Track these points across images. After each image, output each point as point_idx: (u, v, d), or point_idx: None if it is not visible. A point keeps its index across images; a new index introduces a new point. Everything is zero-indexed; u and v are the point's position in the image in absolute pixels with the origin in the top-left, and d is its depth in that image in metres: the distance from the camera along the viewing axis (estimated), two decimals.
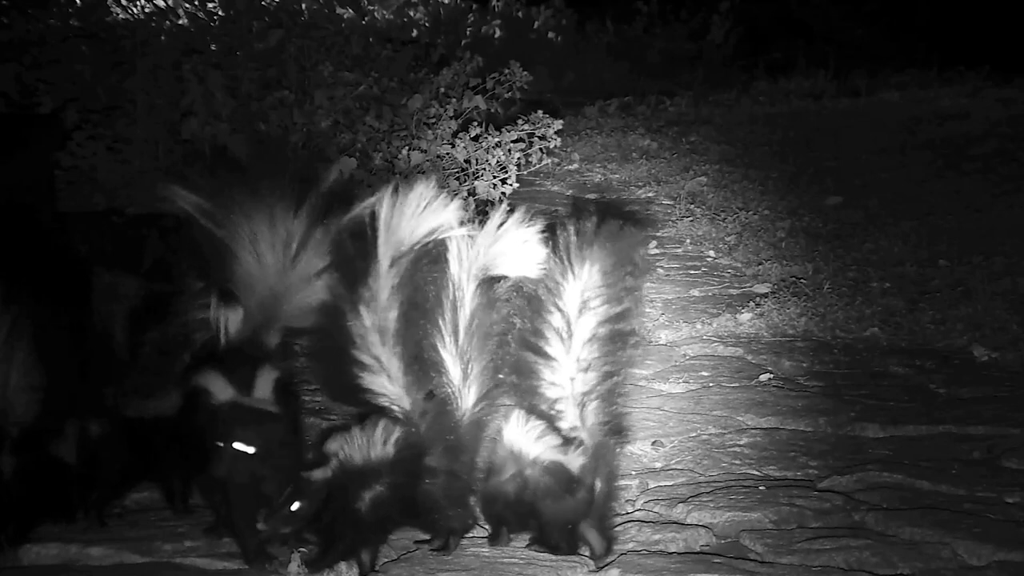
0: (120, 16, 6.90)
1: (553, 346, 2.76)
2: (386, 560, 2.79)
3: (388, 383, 2.74)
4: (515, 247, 2.80)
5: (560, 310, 2.75)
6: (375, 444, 2.68)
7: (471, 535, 2.92)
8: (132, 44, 6.08)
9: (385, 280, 2.70)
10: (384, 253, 2.70)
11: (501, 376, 2.88)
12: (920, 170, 7.33)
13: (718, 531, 2.97)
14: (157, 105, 5.69)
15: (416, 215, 2.72)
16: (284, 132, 5.60)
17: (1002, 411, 3.78)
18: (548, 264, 2.77)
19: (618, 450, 2.87)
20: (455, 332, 2.79)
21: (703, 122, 9.32)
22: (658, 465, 3.45)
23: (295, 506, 2.57)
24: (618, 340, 2.79)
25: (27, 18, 6.47)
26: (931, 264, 5.43)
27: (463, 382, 2.82)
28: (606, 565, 2.76)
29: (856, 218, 6.32)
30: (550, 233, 2.81)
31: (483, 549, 2.82)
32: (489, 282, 2.84)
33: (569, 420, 2.77)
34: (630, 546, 2.86)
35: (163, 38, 6.37)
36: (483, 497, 2.84)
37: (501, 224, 2.79)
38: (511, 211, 2.85)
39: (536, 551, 2.80)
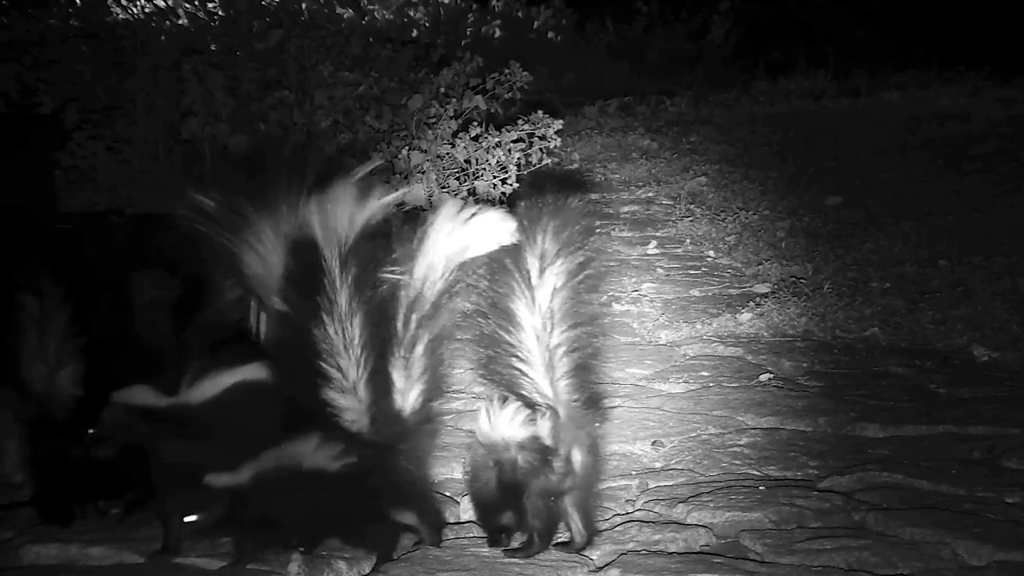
0: (120, 16, 6.91)
1: (521, 324, 2.74)
2: (386, 560, 2.79)
3: (336, 384, 2.70)
4: (474, 232, 2.78)
5: (523, 284, 2.73)
6: (301, 450, 2.65)
7: (472, 535, 2.92)
8: (132, 44, 6.08)
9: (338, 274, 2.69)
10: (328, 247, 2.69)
11: (454, 362, 2.85)
12: (920, 170, 7.33)
13: (718, 531, 2.97)
14: (157, 105, 5.70)
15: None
16: (284, 132, 5.60)
17: (1002, 411, 3.77)
18: (506, 243, 2.76)
19: (596, 417, 2.85)
20: (401, 322, 2.76)
21: (703, 122, 9.33)
22: (658, 465, 3.45)
23: (190, 518, 2.61)
24: (583, 313, 2.77)
25: (27, 18, 6.48)
26: (931, 264, 5.43)
27: (406, 374, 2.78)
28: (606, 565, 2.76)
29: (856, 218, 6.33)
30: (507, 216, 2.78)
31: (483, 549, 2.82)
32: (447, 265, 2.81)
33: (541, 395, 2.75)
34: (630, 546, 2.86)
35: (163, 38, 6.38)
36: (472, 498, 2.84)
37: (459, 211, 2.77)
38: (468, 198, 2.85)
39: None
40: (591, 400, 2.81)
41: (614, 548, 2.84)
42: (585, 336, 2.77)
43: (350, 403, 2.70)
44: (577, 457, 2.73)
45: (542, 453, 2.70)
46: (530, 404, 2.73)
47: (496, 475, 2.73)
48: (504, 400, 2.73)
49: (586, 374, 2.81)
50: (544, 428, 2.70)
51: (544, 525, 2.77)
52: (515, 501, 2.74)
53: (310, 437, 2.66)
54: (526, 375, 2.75)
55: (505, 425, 2.71)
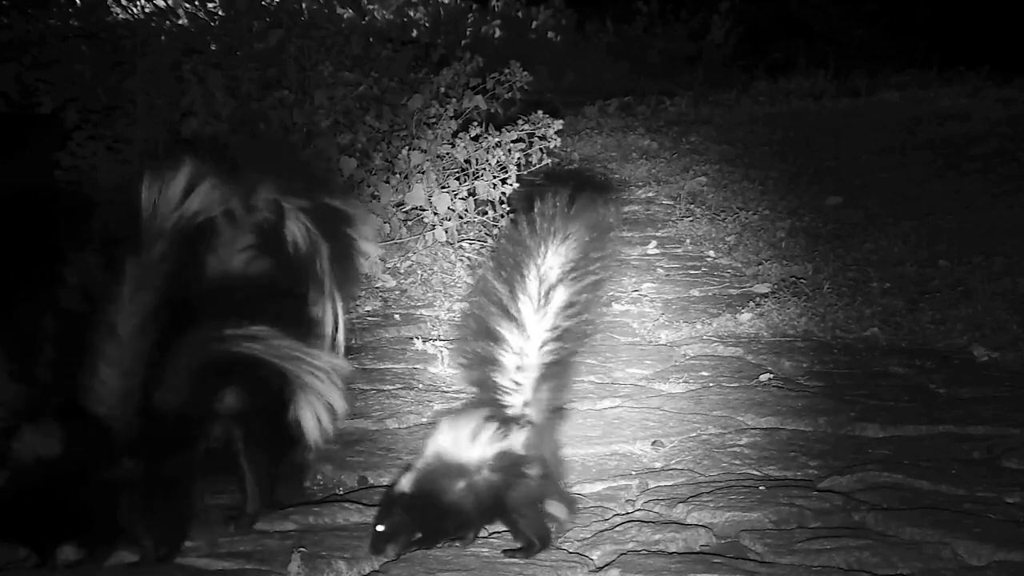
0: (120, 16, 6.90)
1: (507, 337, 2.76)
2: (386, 560, 2.79)
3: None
4: None
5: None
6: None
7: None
8: (132, 44, 6.07)
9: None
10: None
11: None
12: (920, 170, 7.33)
13: (718, 531, 2.97)
14: (157, 105, 5.68)
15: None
16: (284, 132, 5.59)
17: (1002, 411, 3.78)
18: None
19: (560, 422, 2.88)
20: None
21: (703, 122, 9.32)
22: (658, 465, 3.45)
23: None
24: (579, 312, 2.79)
25: (27, 18, 6.47)
26: (931, 264, 5.43)
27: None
28: (606, 565, 2.76)
29: (856, 218, 6.33)
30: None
31: (483, 549, 2.82)
32: None
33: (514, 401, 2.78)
34: (630, 546, 2.86)
35: (163, 38, 6.36)
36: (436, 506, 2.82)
37: None
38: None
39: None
40: (556, 408, 2.84)
41: (614, 548, 2.85)
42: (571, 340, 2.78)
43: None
44: (537, 464, 2.76)
45: (504, 461, 2.73)
46: (498, 412, 2.76)
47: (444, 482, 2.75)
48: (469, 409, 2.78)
49: (562, 379, 2.83)
50: (506, 436, 2.73)
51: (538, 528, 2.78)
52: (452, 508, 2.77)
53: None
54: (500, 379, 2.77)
55: (463, 436, 2.74)
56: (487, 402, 2.78)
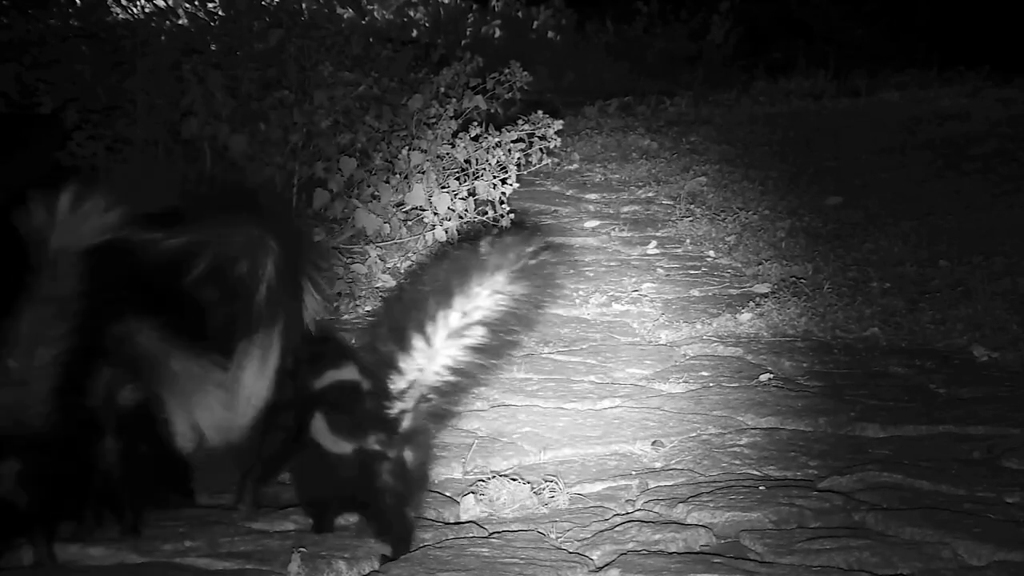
0: (120, 16, 6.90)
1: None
2: (386, 560, 2.79)
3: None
4: None
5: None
6: None
7: (472, 535, 2.92)
8: (132, 44, 6.06)
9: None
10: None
11: None
12: (920, 170, 7.34)
13: (718, 531, 2.97)
14: (157, 105, 5.68)
15: None
16: (284, 132, 5.59)
17: (1002, 411, 3.78)
18: None
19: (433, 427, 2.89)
20: None
21: (703, 122, 9.32)
22: (658, 465, 3.45)
23: None
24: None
25: (27, 18, 6.47)
26: (931, 264, 5.43)
27: None
28: (606, 565, 2.76)
29: (856, 218, 6.33)
30: None
31: (483, 549, 2.82)
32: None
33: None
34: (630, 546, 2.86)
35: (163, 38, 6.36)
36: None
37: None
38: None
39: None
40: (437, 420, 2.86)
41: (614, 548, 2.85)
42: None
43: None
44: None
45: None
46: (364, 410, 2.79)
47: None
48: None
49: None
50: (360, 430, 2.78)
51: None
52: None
53: None
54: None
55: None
56: (370, 401, 2.81)
